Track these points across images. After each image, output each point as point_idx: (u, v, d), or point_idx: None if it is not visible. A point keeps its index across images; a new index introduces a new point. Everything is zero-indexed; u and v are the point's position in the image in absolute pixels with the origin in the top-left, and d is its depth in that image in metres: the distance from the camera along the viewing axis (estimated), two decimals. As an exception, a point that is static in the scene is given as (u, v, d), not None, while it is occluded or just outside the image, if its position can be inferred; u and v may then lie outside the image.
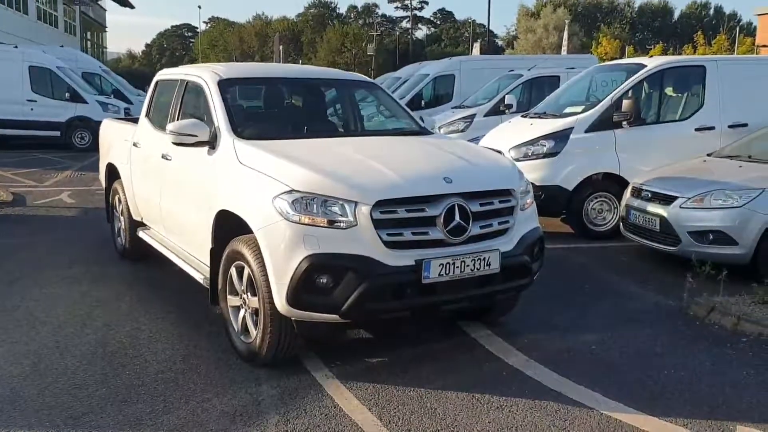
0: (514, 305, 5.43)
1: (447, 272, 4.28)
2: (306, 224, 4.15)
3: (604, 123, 8.54)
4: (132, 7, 54.79)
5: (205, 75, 5.69)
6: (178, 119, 5.80)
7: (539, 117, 9.41)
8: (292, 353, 4.60)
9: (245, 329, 4.66)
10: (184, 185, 5.58)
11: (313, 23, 79.86)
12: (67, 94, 18.12)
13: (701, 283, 5.90)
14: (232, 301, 4.78)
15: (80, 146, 18.15)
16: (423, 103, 17.73)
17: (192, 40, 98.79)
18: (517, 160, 8.68)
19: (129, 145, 6.84)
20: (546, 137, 8.65)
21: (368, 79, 6.63)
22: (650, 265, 7.36)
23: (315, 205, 4.18)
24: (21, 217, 9.70)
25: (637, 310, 5.93)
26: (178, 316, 5.60)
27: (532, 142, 8.71)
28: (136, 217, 6.88)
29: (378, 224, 4.17)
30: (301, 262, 4.10)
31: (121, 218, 7.29)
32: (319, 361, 4.67)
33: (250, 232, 4.42)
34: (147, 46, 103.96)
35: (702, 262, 6.05)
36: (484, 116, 13.91)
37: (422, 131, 5.91)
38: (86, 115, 17.97)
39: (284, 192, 4.24)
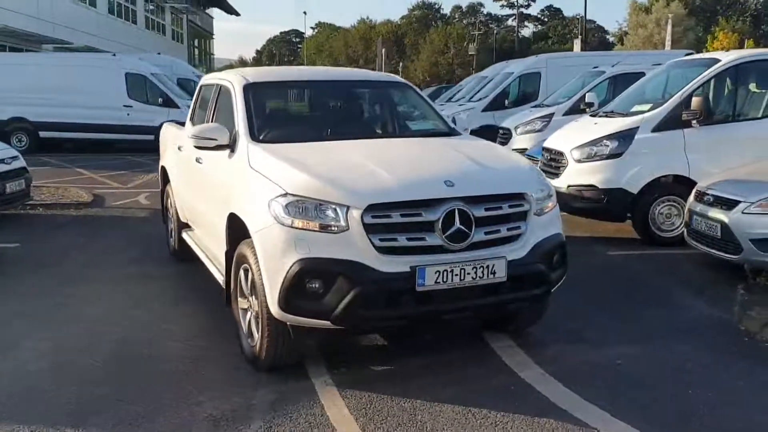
0: (540, 315, 5.12)
1: (444, 280, 4.09)
2: (298, 228, 4.09)
3: (673, 122, 7.99)
4: (237, 14, 56.87)
5: (234, 79, 5.74)
6: (211, 123, 5.87)
7: (606, 116, 8.94)
8: (292, 358, 4.53)
9: (251, 332, 4.65)
10: (209, 188, 5.65)
11: (416, 25, 79.98)
12: (160, 100, 18.76)
13: (760, 296, 5.42)
14: (242, 303, 4.78)
15: None
16: (506, 101, 17.22)
17: (299, 46, 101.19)
18: (580, 161, 8.34)
19: (175, 149, 7.01)
20: (609, 137, 8.20)
21: (399, 79, 6.49)
22: (713, 275, 6.83)
23: (308, 209, 4.11)
24: (94, 217, 10.16)
25: (683, 322, 5.51)
26: (206, 318, 5.66)
27: (595, 142, 8.29)
28: (182, 219, 7.04)
29: (370, 229, 4.05)
30: (291, 266, 4.04)
31: (172, 219, 7.48)
32: (323, 367, 4.59)
33: (252, 235, 4.40)
34: (257, 52, 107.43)
35: (757, 271, 5.56)
36: (563, 115, 13.27)
37: (450, 132, 5.73)
38: (178, 119, 18.46)
39: (279, 195, 4.20)
